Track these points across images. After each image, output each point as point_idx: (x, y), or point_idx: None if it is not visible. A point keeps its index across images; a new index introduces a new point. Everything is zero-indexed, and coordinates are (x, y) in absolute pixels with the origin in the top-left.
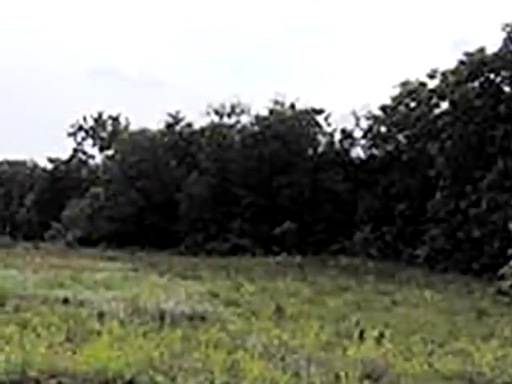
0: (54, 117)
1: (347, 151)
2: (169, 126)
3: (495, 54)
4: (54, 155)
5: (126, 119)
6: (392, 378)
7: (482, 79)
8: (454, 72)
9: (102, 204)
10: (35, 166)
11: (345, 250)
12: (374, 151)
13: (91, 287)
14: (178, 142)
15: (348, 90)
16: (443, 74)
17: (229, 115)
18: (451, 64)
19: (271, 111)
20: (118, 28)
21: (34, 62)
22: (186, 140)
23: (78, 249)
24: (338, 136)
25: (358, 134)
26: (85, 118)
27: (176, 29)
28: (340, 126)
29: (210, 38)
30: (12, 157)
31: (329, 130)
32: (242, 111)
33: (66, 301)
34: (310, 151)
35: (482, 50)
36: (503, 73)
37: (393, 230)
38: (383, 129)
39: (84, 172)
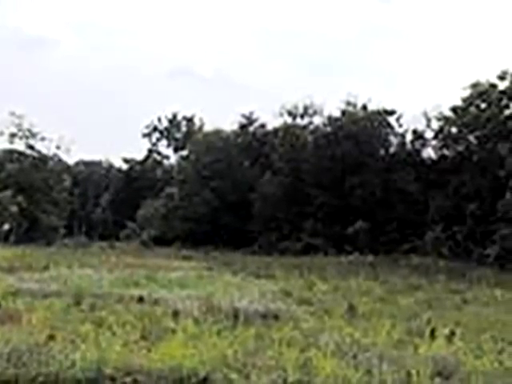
0: (130, 117)
1: (418, 152)
2: (242, 126)
3: None
4: (129, 156)
5: (200, 120)
6: (463, 376)
7: None
8: None
9: (176, 204)
10: (111, 166)
11: (416, 249)
12: (445, 152)
13: (166, 286)
14: (251, 142)
15: (419, 91)
16: None
17: (302, 116)
18: None
19: (343, 112)
20: (195, 30)
21: (113, 63)
22: (259, 140)
23: (153, 248)
24: (409, 137)
25: (429, 134)
26: (159, 119)
27: (250, 31)
28: (411, 127)
29: (283, 39)
30: (88, 157)
31: (400, 130)
32: (315, 112)
33: (141, 299)
34: (382, 152)
35: None
36: None
37: (463, 230)
38: (454, 129)
39: (159, 172)
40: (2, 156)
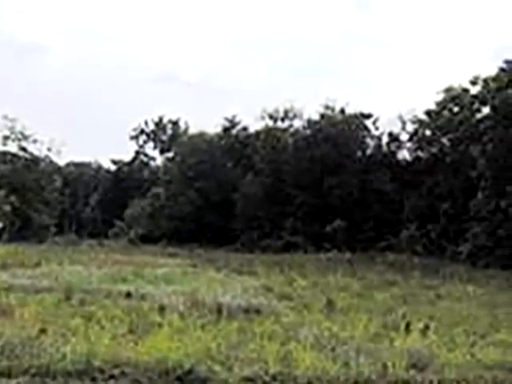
0: (118, 120)
1: (394, 153)
2: (226, 129)
3: None
4: (117, 157)
5: (185, 123)
6: (436, 368)
7: None
8: (494, 79)
9: (162, 203)
10: (99, 167)
11: (392, 246)
12: (420, 153)
13: (152, 282)
14: (234, 144)
15: (395, 95)
16: (485, 80)
17: (282, 119)
18: (492, 71)
19: (322, 115)
20: (181, 38)
21: (102, 69)
22: (241, 143)
23: (140, 246)
24: (385, 139)
25: (404, 137)
26: (146, 122)
27: (233, 38)
28: (387, 130)
29: (265, 46)
30: (78, 158)
31: (377, 133)
32: (295, 115)
33: (128, 295)
34: (359, 153)
35: None
36: None
37: (437, 228)
38: (428, 132)
39: (145, 173)
40: None
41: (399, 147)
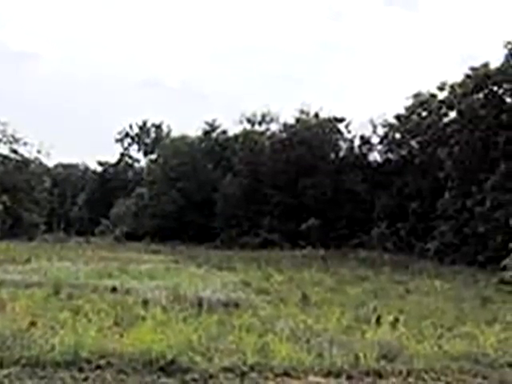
0: (104, 124)
1: (365, 155)
2: (206, 132)
3: (498, 69)
4: (103, 159)
5: (168, 127)
6: (405, 359)
7: (486, 91)
8: (461, 85)
9: (146, 203)
10: (86, 168)
11: (363, 244)
12: (390, 155)
13: (137, 277)
14: (214, 147)
15: (366, 100)
16: (451, 86)
17: (260, 123)
18: (459, 77)
19: (298, 120)
20: (164, 45)
21: (89, 75)
22: (221, 145)
23: (125, 243)
24: (357, 142)
25: (375, 140)
26: (131, 126)
27: (215, 45)
28: (359, 133)
29: (243, 54)
30: (66, 160)
31: (349, 136)
32: (272, 119)
33: (114, 289)
34: (332, 155)
35: (486, 64)
36: (505, 85)
37: (406, 226)
38: (398, 135)
39: (130, 174)
40: None
41: (370, 149)
